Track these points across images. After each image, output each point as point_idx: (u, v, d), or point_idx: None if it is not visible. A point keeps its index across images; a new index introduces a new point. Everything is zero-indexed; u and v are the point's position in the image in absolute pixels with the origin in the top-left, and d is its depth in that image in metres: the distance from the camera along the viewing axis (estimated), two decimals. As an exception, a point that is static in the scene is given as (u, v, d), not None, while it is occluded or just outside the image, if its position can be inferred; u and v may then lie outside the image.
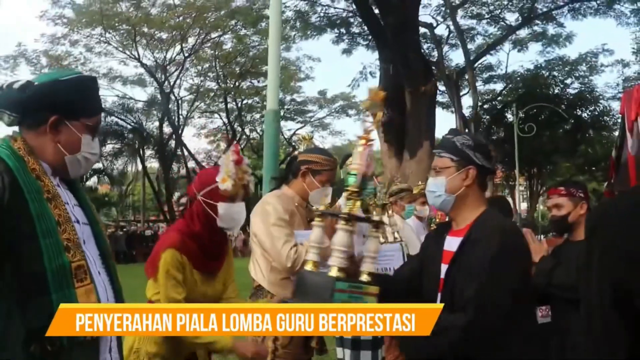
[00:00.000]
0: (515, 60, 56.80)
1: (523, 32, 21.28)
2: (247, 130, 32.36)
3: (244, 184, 2.36)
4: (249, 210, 2.49)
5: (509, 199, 27.41)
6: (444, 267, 2.03)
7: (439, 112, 24.96)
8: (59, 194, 1.71)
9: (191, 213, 2.38)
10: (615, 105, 21.59)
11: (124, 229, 26.94)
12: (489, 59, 22.68)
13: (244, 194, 2.39)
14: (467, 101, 21.09)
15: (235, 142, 2.63)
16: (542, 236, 27.55)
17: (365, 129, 2.13)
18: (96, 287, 1.68)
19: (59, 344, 1.56)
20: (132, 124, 29.39)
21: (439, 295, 2.01)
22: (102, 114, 1.91)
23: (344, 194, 2.06)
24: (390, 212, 3.88)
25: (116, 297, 1.80)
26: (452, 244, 2.06)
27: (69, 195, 1.81)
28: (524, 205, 28.32)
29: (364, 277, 2.00)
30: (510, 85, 23.28)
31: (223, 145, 34.14)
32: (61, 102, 1.73)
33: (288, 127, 32.55)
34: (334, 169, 3.01)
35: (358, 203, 2.02)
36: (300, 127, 33.04)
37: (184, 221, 2.39)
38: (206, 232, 2.36)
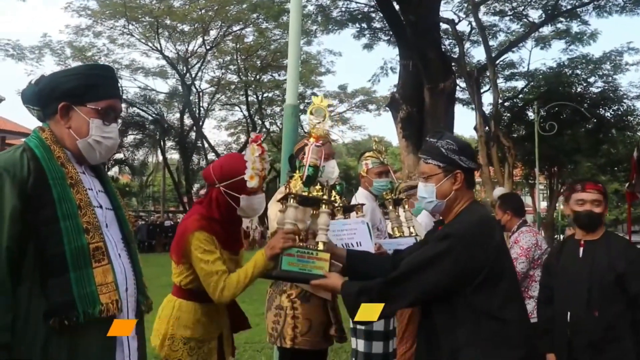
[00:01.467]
0: (538, 57, 56.17)
1: (546, 30, 20.95)
2: (267, 124, 32.48)
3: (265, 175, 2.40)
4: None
5: (529, 198, 27.03)
6: None
7: (459, 108, 24.79)
8: (81, 180, 1.79)
9: (210, 200, 2.41)
10: (640, 105, 21.22)
11: (144, 219, 27.30)
12: (510, 56, 22.39)
13: (261, 182, 2.42)
14: (487, 98, 20.90)
15: (256, 132, 2.62)
16: (561, 236, 27.21)
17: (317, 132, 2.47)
18: (114, 267, 1.75)
19: (76, 320, 1.63)
20: (154, 115, 29.70)
21: None
22: (124, 105, 1.95)
23: (294, 179, 2.41)
24: (406, 207, 3.90)
25: (136, 278, 1.86)
26: None
27: (94, 182, 1.89)
28: (543, 205, 27.97)
29: (319, 246, 2.33)
30: (532, 83, 22.94)
31: (243, 137, 34.37)
32: (67, 89, 1.81)
33: (307, 121, 32.49)
34: (327, 142, 3.05)
35: (299, 185, 2.37)
36: (320, 122, 32.98)
37: (202, 207, 2.42)
38: (225, 218, 2.40)
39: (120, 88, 1.98)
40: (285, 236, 2.30)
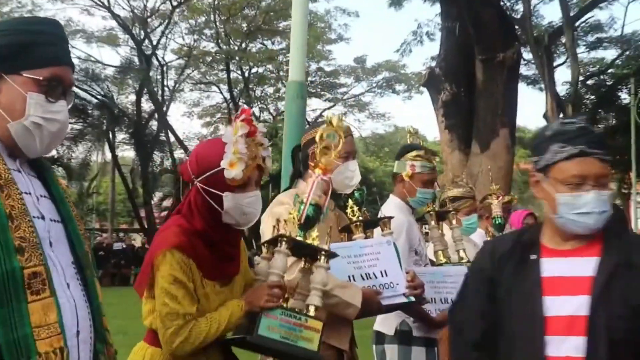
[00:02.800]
0: (636, 15, 54.49)
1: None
2: (256, 109, 32.55)
3: (258, 164, 2.39)
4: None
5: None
6: (572, 300, 2.06)
7: (523, 89, 24.75)
8: (13, 180, 1.79)
9: (189, 204, 2.41)
10: None
11: (85, 241, 27.42)
12: (597, 14, 22.42)
13: (258, 175, 2.41)
14: (563, 74, 20.78)
15: (243, 106, 2.65)
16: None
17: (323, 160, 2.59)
18: (59, 302, 1.75)
19: None
20: (99, 97, 29.82)
21: (572, 340, 2.04)
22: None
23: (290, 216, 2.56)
24: (453, 222, 3.93)
25: (93, 318, 1.87)
26: (573, 267, 2.10)
27: (34, 184, 1.89)
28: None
29: (310, 311, 2.43)
30: (628, 53, 22.90)
31: (223, 128, 34.34)
32: None
33: (312, 106, 32.58)
34: (349, 135, 3.15)
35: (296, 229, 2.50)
36: (329, 107, 33.12)
37: (182, 215, 2.42)
38: (211, 229, 2.38)
39: (70, 52, 1.98)
40: (270, 292, 2.32)
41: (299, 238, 2.46)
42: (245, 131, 2.33)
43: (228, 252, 2.44)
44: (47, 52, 1.86)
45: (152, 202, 31.38)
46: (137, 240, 31.10)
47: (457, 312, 2.35)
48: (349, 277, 2.92)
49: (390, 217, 3.19)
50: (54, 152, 30.83)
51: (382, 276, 2.94)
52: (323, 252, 2.49)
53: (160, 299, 2.28)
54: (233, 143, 2.31)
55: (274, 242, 2.46)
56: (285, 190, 3.31)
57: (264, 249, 2.54)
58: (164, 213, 32.03)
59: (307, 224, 2.49)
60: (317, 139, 2.59)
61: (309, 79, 30.96)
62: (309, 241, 2.50)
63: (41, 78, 1.83)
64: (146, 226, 30.15)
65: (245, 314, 2.33)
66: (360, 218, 3.11)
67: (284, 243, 2.42)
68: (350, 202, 3.14)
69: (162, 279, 2.28)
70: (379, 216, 3.32)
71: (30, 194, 1.85)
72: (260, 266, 2.53)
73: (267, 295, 2.33)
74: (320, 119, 31.04)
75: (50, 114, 1.85)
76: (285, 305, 2.42)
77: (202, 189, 2.36)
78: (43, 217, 1.84)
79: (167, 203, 32.74)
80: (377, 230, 3.15)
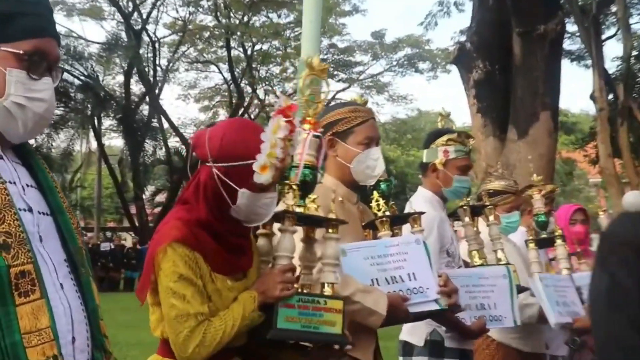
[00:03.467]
0: None
1: None
2: (260, 92, 32.59)
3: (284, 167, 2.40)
4: None
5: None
6: None
7: (567, 66, 24.59)
8: None
9: (196, 187, 2.41)
10: None
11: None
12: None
13: (278, 176, 2.42)
14: (613, 49, 20.62)
15: (281, 93, 2.62)
16: None
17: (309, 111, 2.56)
18: (50, 304, 1.76)
19: None
20: (82, 78, 29.92)
21: None
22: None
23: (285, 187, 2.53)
24: (490, 219, 3.92)
25: (90, 323, 1.88)
26: None
27: (19, 172, 1.90)
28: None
29: (325, 290, 2.47)
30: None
31: (223, 113, 34.43)
32: None
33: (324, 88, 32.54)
34: (371, 118, 3.17)
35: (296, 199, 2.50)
36: (344, 89, 33.10)
37: (183, 204, 2.43)
38: (216, 219, 2.39)
39: (55, 22, 1.98)
40: (283, 279, 2.31)
41: (298, 209, 2.46)
42: (286, 133, 2.34)
43: (235, 243, 2.44)
44: (29, 23, 1.86)
45: (144, 197, 31.47)
46: (128, 240, 31.21)
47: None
48: (372, 280, 2.91)
49: (422, 213, 3.17)
50: (31, 141, 30.73)
51: (410, 280, 2.92)
52: (331, 222, 2.51)
53: (167, 300, 2.28)
54: (271, 144, 2.32)
55: (277, 218, 2.46)
56: None
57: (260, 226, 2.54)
58: (157, 209, 32.16)
59: (304, 189, 2.49)
60: (300, 86, 2.57)
61: (320, 56, 30.88)
62: (310, 205, 2.52)
63: (22, 52, 1.83)
64: (137, 224, 30.26)
65: (259, 307, 2.32)
66: (387, 213, 3.10)
67: (289, 219, 2.42)
68: (375, 194, 3.14)
69: (165, 278, 2.28)
70: (406, 211, 3.32)
71: (14, 183, 1.85)
72: (261, 244, 2.53)
73: (280, 283, 2.32)
74: (334, 102, 30.91)
75: (34, 93, 1.85)
76: (299, 289, 2.43)
77: (218, 176, 2.36)
78: (31, 210, 1.85)
79: (161, 198, 32.87)
80: (405, 227, 3.14)
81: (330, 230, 2.54)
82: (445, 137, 3.82)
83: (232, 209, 2.38)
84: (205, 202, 2.37)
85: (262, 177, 2.31)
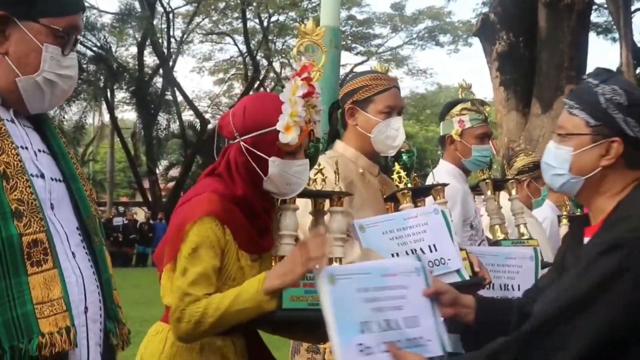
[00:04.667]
0: None
1: None
2: (276, 65, 32.54)
3: (311, 130, 2.42)
4: None
5: None
6: None
7: (594, 39, 24.35)
8: (8, 132, 1.80)
9: (228, 165, 2.44)
10: None
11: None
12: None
13: (307, 142, 2.44)
14: (641, 22, 20.37)
15: (301, 61, 2.62)
16: None
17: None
18: (63, 274, 1.76)
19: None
20: (95, 49, 30.00)
21: None
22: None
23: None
24: (513, 192, 3.89)
25: (103, 293, 1.88)
26: None
27: (32, 136, 1.90)
28: None
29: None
30: None
31: (238, 86, 34.45)
32: None
33: (342, 60, 32.51)
34: (393, 87, 3.13)
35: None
36: (362, 62, 33.00)
37: (218, 178, 2.44)
38: (253, 195, 2.41)
39: None
40: (309, 258, 2.21)
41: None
42: (304, 91, 2.35)
43: (264, 222, 2.47)
44: None
45: (157, 171, 31.61)
46: (140, 214, 31.38)
47: None
48: (392, 255, 2.85)
49: (445, 184, 3.16)
50: (43, 113, 31.07)
51: (431, 251, 2.87)
52: (335, 195, 2.52)
53: (180, 266, 2.28)
54: (291, 103, 2.33)
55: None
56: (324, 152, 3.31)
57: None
58: (171, 184, 32.31)
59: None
60: (294, 54, 2.53)
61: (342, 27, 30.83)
62: (316, 177, 2.55)
63: (60, 28, 1.85)
64: (150, 199, 30.43)
65: (268, 292, 2.25)
66: (409, 185, 3.06)
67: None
68: (396, 166, 3.11)
69: (185, 250, 2.28)
70: (429, 183, 3.29)
71: (27, 148, 1.86)
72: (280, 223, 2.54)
73: (302, 264, 2.21)
74: (352, 74, 30.60)
75: (64, 70, 1.88)
76: None
77: (246, 149, 2.39)
78: (43, 176, 1.85)
79: (174, 172, 33.00)
80: (428, 200, 3.11)
81: (335, 204, 2.54)
82: (459, 107, 3.81)
83: (265, 181, 2.40)
84: (239, 178, 2.40)
85: (288, 136, 2.32)
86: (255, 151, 2.38)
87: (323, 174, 2.60)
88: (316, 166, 2.63)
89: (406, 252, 2.85)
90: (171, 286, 2.34)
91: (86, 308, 1.83)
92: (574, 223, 2.44)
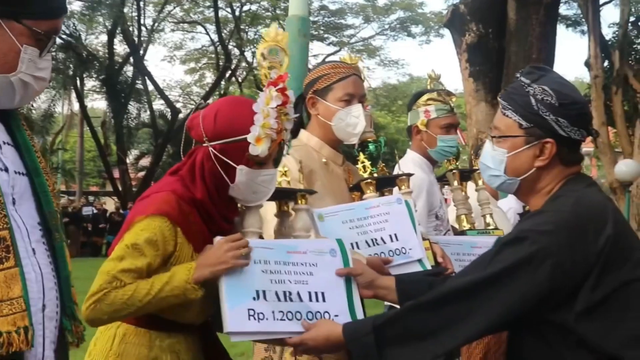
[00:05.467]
0: None
1: None
2: (248, 54, 32.41)
3: (282, 139, 2.42)
4: None
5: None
6: None
7: (563, 32, 24.51)
8: None
9: (192, 168, 2.41)
10: None
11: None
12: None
13: (277, 151, 2.46)
14: (610, 14, 20.57)
15: (277, 61, 2.61)
16: None
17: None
18: (23, 272, 1.75)
19: None
20: (64, 37, 29.67)
21: None
22: None
23: None
24: (479, 182, 3.93)
25: (61, 291, 1.87)
26: None
27: None
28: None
29: None
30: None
31: (210, 76, 34.29)
32: None
33: (313, 50, 32.44)
34: (352, 74, 3.13)
35: None
36: (334, 52, 32.97)
37: (179, 177, 2.41)
38: (212, 200, 2.40)
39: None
40: (233, 246, 2.24)
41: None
42: (279, 102, 2.35)
43: (223, 228, 2.44)
44: (55, 3, 1.90)
45: (127, 160, 31.40)
46: (109, 204, 31.16)
47: None
48: (352, 244, 2.83)
49: (410, 174, 3.17)
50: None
51: (392, 241, 2.86)
52: (299, 193, 2.53)
53: (117, 254, 2.22)
54: (264, 115, 2.33)
55: None
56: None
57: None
58: (141, 173, 32.12)
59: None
60: (257, 57, 2.53)
61: (310, 18, 30.71)
62: (279, 180, 2.56)
63: (42, 32, 1.85)
64: (120, 188, 30.23)
65: (197, 280, 2.23)
66: (375, 175, 3.08)
67: None
68: (361, 156, 3.13)
69: (127, 239, 2.24)
70: (395, 173, 3.31)
71: None
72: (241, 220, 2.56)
73: (229, 251, 2.24)
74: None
75: (39, 72, 1.88)
76: None
77: (214, 154, 2.38)
78: (7, 170, 1.83)
79: (145, 162, 32.80)
80: (396, 191, 3.12)
81: (299, 202, 2.57)
82: (425, 97, 3.84)
83: (231, 188, 2.40)
84: (202, 182, 2.38)
85: (258, 148, 2.33)
86: (224, 158, 2.36)
87: (287, 176, 2.62)
88: (280, 167, 2.66)
89: (366, 241, 2.84)
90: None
91: (44, 306, 1.82)
92: (523, 218, 2.54)
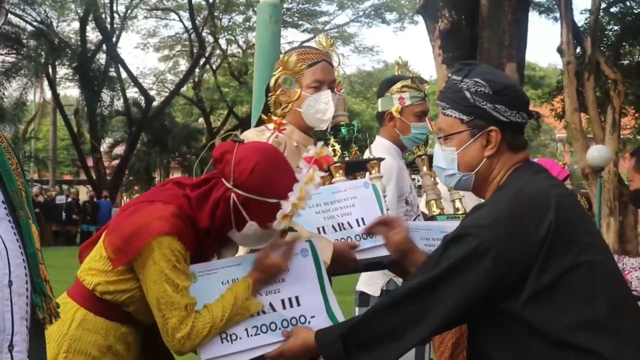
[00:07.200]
0: None
1: None
2: (222, 42, 32.25)
3: None
4: None
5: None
6: None
7: (535, 18, 24.66)
8: None
9: (205, 197, 2.43)
10: None
11: (22, 194, 27.27)
12: None
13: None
14: (582, 0, 20.63)
15: (321, 144, 2.60)
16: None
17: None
18: None
19: None
20: (35, 23, 29.36)
21: None
22: None
23: None
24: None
25: (29, 266, 1.88)
26: None
27: None
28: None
29: None
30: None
31: (184, 63, 34.07)
32: None
33: (287, 37, 32.35)
34: (322, 60, 3.12)
35: None
36: (308, 39, 32.87)
37: (187, 197, 2.44)
38: (209, 233, 2.45)
39: None
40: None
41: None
42: (317, 182, 2.42)
43: (205, 255, 2.55)
44: None
45: (101, 149, 31.19)
46: (82, 193, 30.95)
47: None
48: (318, 229, 2.86)
49: (380, 159, 3.18)
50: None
51: (359, 225, 2.86)
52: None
53: (159, 284, 2.32)
54: (302, 194, 2.37)
55: None
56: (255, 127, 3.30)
57: None
58: (115, 162, 31.91)
59: None
60: (271, 85, 2.60)
61: (284, 5, 30.57)
62: None
63: None
64: (94, 177, 30.04)
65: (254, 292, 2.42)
66: (347, 159, 3.10)
67: None
68: (331, 140, 3.14)
69: (162, 262, 2.32)
70: (366, 157, 3.32)
71: None
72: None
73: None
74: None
75: None
76: None
77: (234, 202, 2.40)
78: None
79: (119, 150, 32.59)
80: (367, 176, 3.12)
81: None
82: (399, 84, 3.84)
83: (232, 233, 2.48)
84: (210, 217, 2.42)
85: (282, 224, 2.39)
86: (242, 209, 2.40)
87: None
88: None
89: (332, 226, 2.86)
90: (104, 271, 2.41)
91: (10, 282, 1.80)
92: (468, 213, 2.60)
